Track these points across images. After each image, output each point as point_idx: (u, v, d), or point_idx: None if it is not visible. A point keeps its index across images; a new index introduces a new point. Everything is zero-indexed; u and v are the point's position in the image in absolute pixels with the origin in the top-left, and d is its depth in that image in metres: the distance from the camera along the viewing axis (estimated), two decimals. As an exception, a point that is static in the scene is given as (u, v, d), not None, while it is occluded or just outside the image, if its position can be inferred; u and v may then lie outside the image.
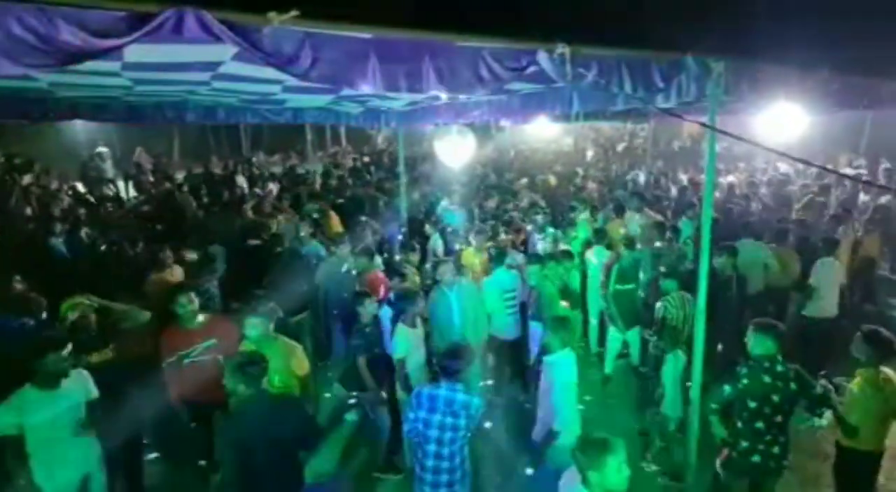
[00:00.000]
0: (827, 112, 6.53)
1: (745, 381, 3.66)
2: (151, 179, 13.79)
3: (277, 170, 16.29)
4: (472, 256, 6.56)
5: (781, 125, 5.21)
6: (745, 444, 3.70)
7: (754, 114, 7.43)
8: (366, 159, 18.66)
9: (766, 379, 3.59)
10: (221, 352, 4.08)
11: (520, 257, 6.51)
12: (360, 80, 2.25)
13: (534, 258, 5.80)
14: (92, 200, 11.93)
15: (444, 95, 3.69)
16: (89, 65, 2.56)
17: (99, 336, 4.22)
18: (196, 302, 4.18)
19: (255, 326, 3.95)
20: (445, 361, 3.49)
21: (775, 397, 3.58)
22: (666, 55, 3.43)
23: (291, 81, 3.24)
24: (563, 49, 2.73)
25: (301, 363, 4.13)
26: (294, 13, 1.93)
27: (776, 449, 3.66)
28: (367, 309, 4.81)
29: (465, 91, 2.62)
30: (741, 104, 6.02)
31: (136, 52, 2.14)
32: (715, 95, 3.67)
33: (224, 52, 2.40)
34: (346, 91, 4.03)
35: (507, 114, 6.30)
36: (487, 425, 5.43)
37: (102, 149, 15.23)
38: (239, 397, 3.28)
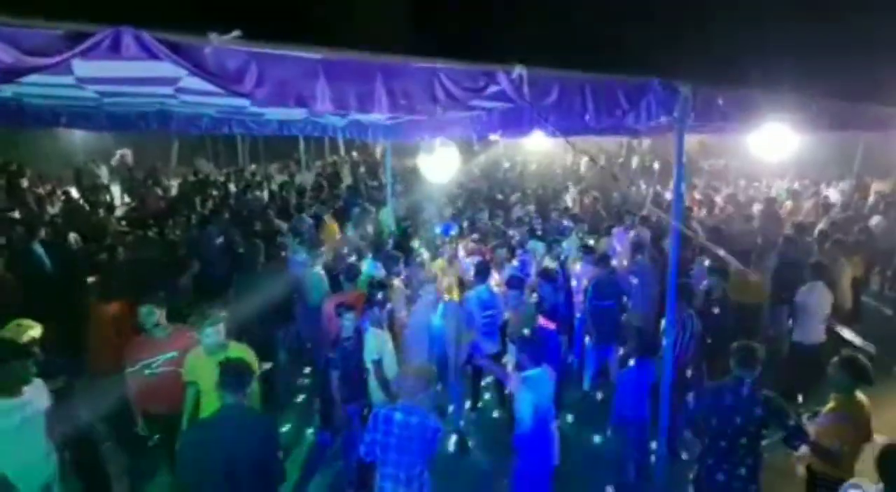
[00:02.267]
0: (805, 133, 6.54)
1: (706, 399, 3.68)
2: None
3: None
4: (441, 269, 6.58)
5: (769, 144, 5.24)
6: (710, 461, 3.70)
7: (741, 133, 7.47)
8: (361, 170, 18.75)
9: (728, 400, 3.58)
10: (182, 364, 4.06)
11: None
12: (309, 99, 2.26)
13: (514, 281, 5.63)
14: (86, 205, 11.99)
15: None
16: (43, 78, 2.59)
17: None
18: (157, 314, 4.17)
19: (207, 335, 3.93)
20: (403, 381, 3.48)
21: (738, 419, 3.55)
22: (632, 78, 3.46)
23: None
24: (520, 70, 2.76)
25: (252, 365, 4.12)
26: (236, 34, 1.95)
27: (742, 470, 3.63)
28: (347, 322, 4.79)
29: (420, 112, 2.64)
30: (722, 123, 6.04)
31: (85, 67, 2.16)
32: (682, 118, 3.70)
33: (178, 68, 2.42)
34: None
35: (490, 130, 6.32)
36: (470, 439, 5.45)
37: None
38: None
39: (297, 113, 4.75)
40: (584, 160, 21.05)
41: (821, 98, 5.00)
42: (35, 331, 4.09)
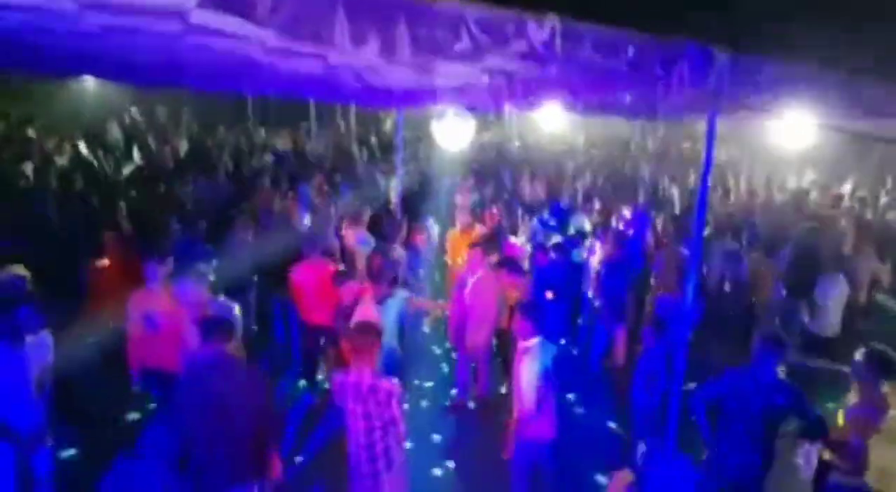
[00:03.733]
0: (842, 122, 6.30)
1: (726, 382, 3.63)
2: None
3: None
4: (459, 240, 6.51)
5: (791, 134, 5.03)
6: (724, 446, 3.63)
7: (764, 119, 7.22)
8: (373, 140, 18.54)
9: (748, 385, 3.52)
10: (183, 316, 3.99)
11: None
12: (326, 34, 2.09)
13: (507, 262, 5.59)
14: (94, 161, 11.88)
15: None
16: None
17: None
18: (165, 267, 4.10)
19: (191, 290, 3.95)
20: (350, 339, 3.39)
21: (757, 405, 3.48)
22: (667, 39, 3.21)
23: (270, 42, 3.08)
24: (553, 21, 2.56)
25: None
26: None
27: (757, 458, 3.56)
28: (345, 293, 4.77)
29: (439, 58, 2.46)
30: (746, 111, 5.78)
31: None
32: (718, 91, 3.46)
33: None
34: (334, 60, 3.87)
35: (508, 99, 6.09)
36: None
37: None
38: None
39: (311, 64, 4.56)
40: (598, 141, 20.76)
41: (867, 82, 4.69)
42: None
